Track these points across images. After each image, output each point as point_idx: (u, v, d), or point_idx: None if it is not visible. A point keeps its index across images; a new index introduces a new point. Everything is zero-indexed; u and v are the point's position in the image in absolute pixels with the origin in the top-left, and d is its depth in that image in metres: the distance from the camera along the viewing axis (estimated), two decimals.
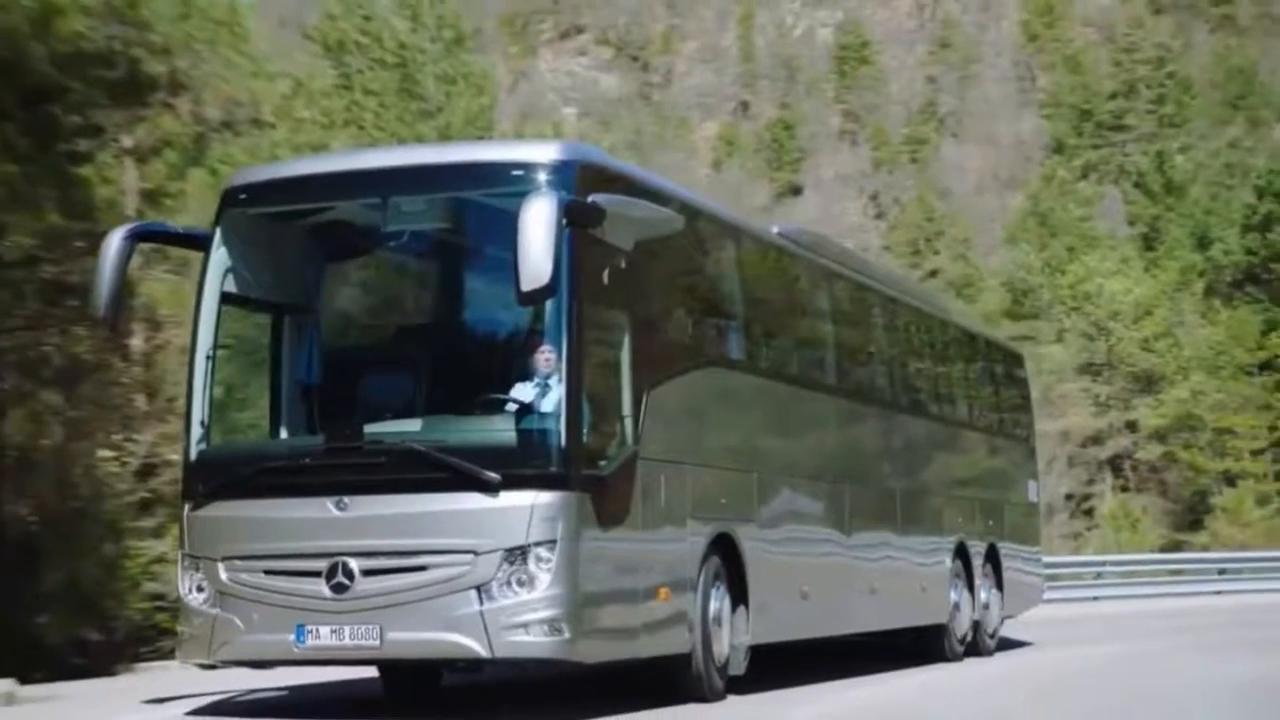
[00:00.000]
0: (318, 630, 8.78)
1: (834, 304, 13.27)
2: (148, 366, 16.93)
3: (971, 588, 15.52)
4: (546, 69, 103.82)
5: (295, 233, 10.06)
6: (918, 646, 14.67)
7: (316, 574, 8.80)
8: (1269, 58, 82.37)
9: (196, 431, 9.46)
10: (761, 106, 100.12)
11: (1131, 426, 49.43)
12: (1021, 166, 79.18)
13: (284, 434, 9.90)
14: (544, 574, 8.55)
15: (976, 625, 15.62)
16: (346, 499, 8.84)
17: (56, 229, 13.87)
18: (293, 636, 8.82)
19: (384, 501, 8.80)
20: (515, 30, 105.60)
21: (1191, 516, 47.73)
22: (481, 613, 8.54)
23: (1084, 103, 74.45)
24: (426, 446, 8.79)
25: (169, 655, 13.75)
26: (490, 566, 8.56)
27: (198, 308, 9.68)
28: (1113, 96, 74.06)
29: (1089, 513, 48.79)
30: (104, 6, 13.66)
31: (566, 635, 8.61)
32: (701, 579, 10.00)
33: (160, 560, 15.16)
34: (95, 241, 10.72)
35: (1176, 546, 43.80)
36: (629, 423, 9.28)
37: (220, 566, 9.10)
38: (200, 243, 9.89)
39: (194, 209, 15.70)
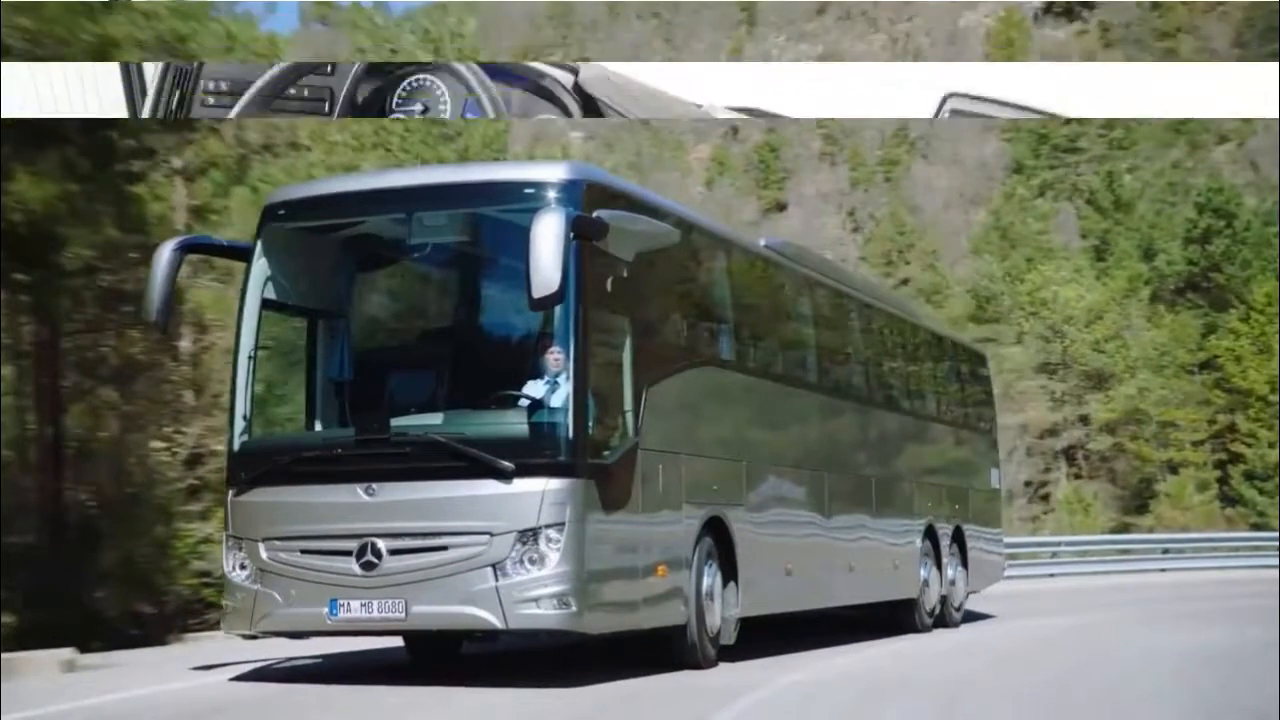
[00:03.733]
0: (349, 604, 8.78)
1: (815, 309, 13.25)
2: (195, 366, 16.95)
3: (939, 565, 15.50)
4: None
5: (329, 245, 10.06)
6: (891, 619, 14.63)
7: (348, 553, 8.80)
8: None
9: (240, 425, 9.47)
10: (749, 131, 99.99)
11: (1084, 420, 49.34)
12: (985, 185, 79.03)
13: (318, 427, 9.90)
14: (553, 553, 8.54)
15: (944, 599, 15.61)
16: (375, 485, 8.84)
17: (113, 241, 13.85)
18: (326, 609, 8.83)
19: (409, 488, 8.80)
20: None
21: (1138, 501, 47.64)
22: (497, 588, 8.54)
23: (1041, 127, 74.30)
24: (447, 438, 8.80)
25: (215, 626, 13.78)
26: (505, 546, 8.55)
27: (240, 313, 9.70)
28: (1067, 122, 73.99)
29: (1045, 498, 48.69)
30: (156, 41, 13.62)
31: (574, 609, 8.61)
32: (696, 557, 9.99)
33: (207, 541, 15.14)
34: (148, 253, 10.74)
35: (1124, 528, 43.71)
36: (630, 417, 9.28)
37: (261, 546, 9.11)
38: (243, 254, 9.90)
39: (237, 223, 15.72)
